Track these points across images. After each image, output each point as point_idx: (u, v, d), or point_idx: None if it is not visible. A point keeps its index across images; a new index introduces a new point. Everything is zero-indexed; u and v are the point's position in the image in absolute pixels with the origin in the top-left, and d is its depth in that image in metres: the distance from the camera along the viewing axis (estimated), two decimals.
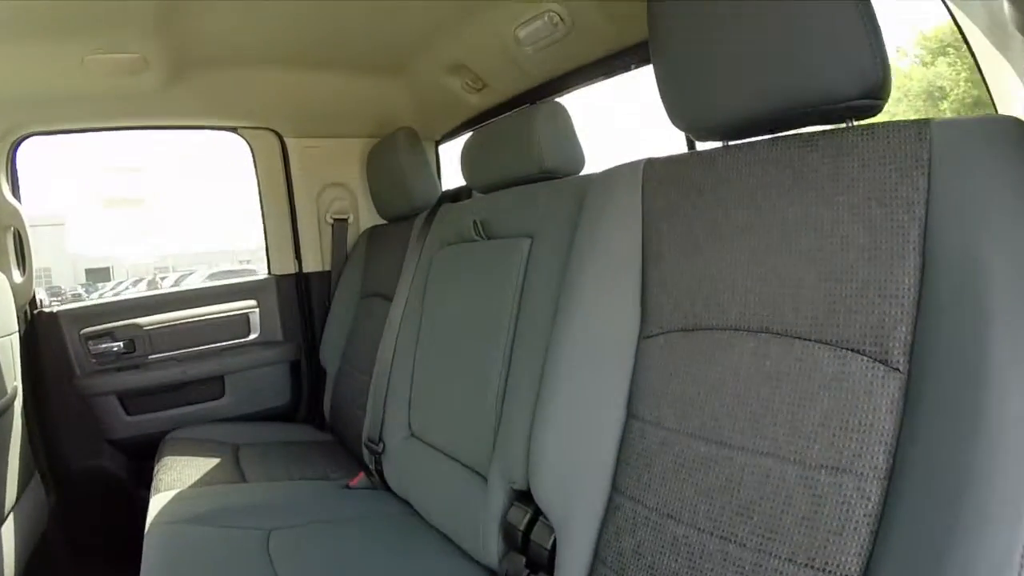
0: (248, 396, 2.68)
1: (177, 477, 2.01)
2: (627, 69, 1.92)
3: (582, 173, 1.59)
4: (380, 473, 1.90)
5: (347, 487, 1.95)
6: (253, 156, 2.74)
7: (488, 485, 1.40)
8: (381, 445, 1.86)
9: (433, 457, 1.64)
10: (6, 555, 1.89)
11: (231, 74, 2.28)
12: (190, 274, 19.39)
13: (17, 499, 2.04)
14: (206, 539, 1.59)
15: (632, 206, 1.17)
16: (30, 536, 2.12)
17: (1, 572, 1.85)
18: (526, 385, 1.33)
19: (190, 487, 1.94)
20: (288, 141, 2.73)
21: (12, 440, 2.05)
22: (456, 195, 2.11)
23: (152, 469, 2.21)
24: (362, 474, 1.97)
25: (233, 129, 2.70)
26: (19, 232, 2.35)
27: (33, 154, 2.47)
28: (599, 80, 2.04)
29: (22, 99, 2.16)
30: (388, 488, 1.88)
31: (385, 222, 2.53)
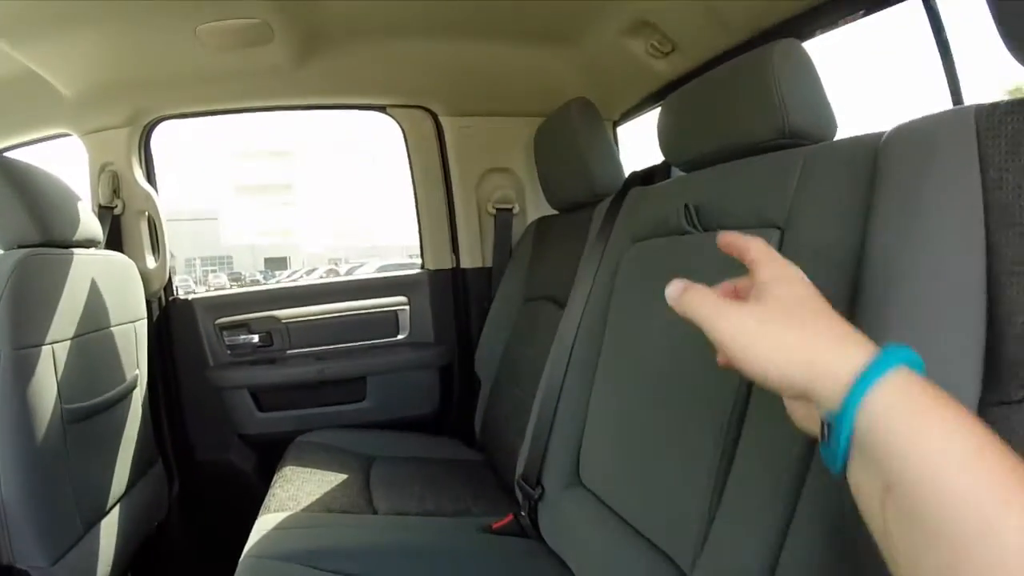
0: (391, 401, 2.45)
1: (293, 495, 1.80)
2: (855, 16, 1.47)
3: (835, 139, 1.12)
4: (534, 519, 1.53)
5: (490, 530, 1.60)
6: (404, 138, 2.51)
7: None
8: (539, 490, 1.48)
9: (608, 522, 1.23)
10: (120, 537, 1.86)
11: (374, 46, 2.12)
12: (361, 266, 19.93)
13: (132, 485, 2.00)
14: None
15: (967, 184, 0.69)
16: (147, 522, 2.10)
17: (116, 554, 1.82)
18: (768, 465, 0.87)
19: (303, 510, 1.72)
20: (443, 121, 2.47)
21: (130, 426, 2.00)
22: (648, 176, 1.68)
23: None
24: (511, 516, 1.61)
25: (381, 108, 2.47)
26: (153, 218, 2.29)
27: (176, 139, 2.35)
28: (817, 34, 1.57)
29: (146, 81, 2.11)
30: (541, 538, 1.51)
31: (556, 212, 2.16)
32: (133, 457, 2.03)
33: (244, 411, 2.42)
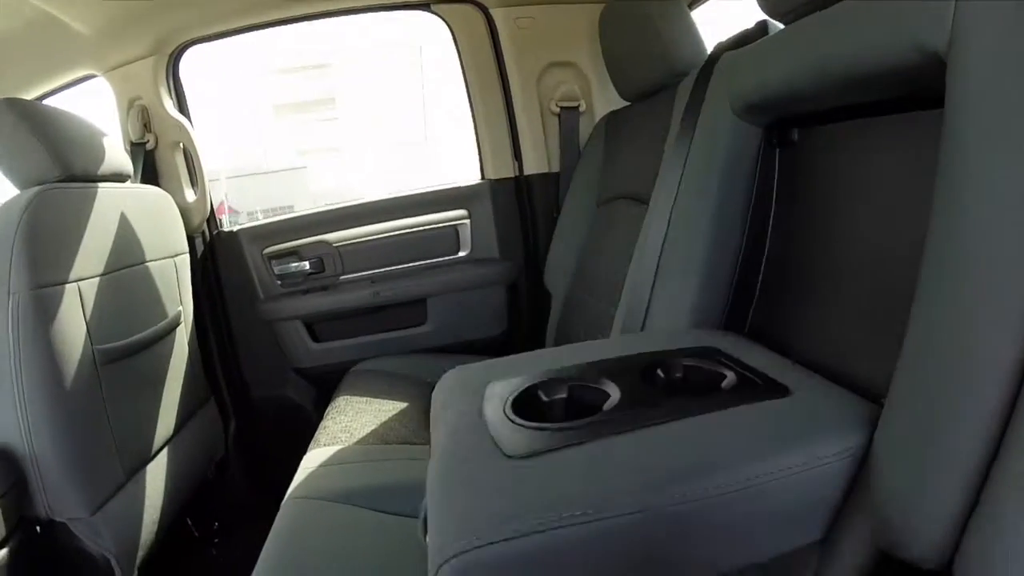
0: (455, 324, 2.30)
1: (346, 427, 1.69)
2: None
3: None
4: None
5: None
6: (454, 37, 2.27)
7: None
8: None
9: None
10: (169, 481, 1.83)
11: None
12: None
13: (181, 426, 1.96)
14: (355, 527, 1.26)
15: None
16: (202, 463, 2.08)
17: (165, 498, 1.80)
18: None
19: (357, 443, 1.61)
20: (495, 14, 2.22)
21: (175, 365, 1.94)
22: (740, 42, 1.41)
23: None
24: None
25: (425, 6, 2.24)
26: (188, 149, 2.18)
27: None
28: None
29: (165, 4, 1.97)
30: None
31: (629, 103, 1.90)
32: (181, 397, 1.98)
33: (298, 343, 2.32)
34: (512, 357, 1.07)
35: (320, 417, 2.28)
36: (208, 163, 2.24)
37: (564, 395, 0.88)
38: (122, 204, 1.75)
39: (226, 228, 2.32)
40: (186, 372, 2.02)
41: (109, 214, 1.69)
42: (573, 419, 0.79)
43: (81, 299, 1.55)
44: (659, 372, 0.91)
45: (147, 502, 1.73)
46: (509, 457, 0.73)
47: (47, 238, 1.46)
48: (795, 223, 1.09)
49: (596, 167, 1.97)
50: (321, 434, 1.67)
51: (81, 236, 1.57)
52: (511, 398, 0.85)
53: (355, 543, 1.19)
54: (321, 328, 2.32)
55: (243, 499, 2.36)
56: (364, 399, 1.81)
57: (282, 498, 2.28)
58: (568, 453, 0.72)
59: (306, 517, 1.28)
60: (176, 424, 1.94)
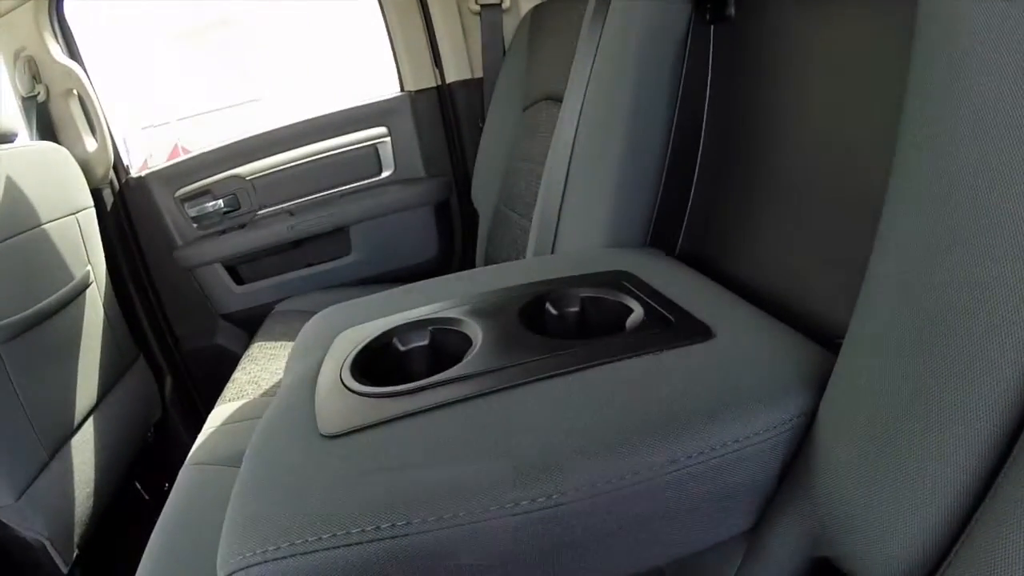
0: (381, 252, 2.17)
1: (255, 378, 1.59)
2: None
3: None
4: None
5: None
6: None
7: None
8: None
9: None
10: (101, 451, 1.76)
11: None
12: None
13: (105, 392, 1.86)
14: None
15: None
16: (139, 427, 2.00)
17: (98, 469, 1.74)
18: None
19: (263, 394, 1.52)
20: None
21: (88, 330, 1.84)
22: None
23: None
24: None
25: None
26: (82, 96, 2.00)
27: None
28: None
29: None
30: None
31: None
32: (101, 362, 1.87)
33: (221, 288, 2.20)
34: (392, 291, 0.93)
35: None
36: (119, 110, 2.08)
37: (425, 342, 0.74)
38: (8, 167, 1.62)
39: (133, 175, 2.15)
40: (104, 334, 1.91)
41: None
42: (431, 375, 0.63)
43: None
44: (548, 307, 0.75)
45: (77, 477, 1.67)
46: (322, 437, 0.58)
47: None
48: (734, 119, 0.93)
49: (521, 68, 1.81)
50: (228, 388, 1.57)
51: None
52: (355, 351, 0.70)
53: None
54: (243, 269, 2.20)
55: (175, 461, 2.28)
56: (279, 344, 1.72)
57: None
58: (393, 430, 0.57)
59: (204, 485, 1.21)
60: (99, 391, 1.85)
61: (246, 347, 2.23)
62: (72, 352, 1.77)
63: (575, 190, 1.09)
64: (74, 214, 1.83)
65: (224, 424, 1.41)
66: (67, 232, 1.80)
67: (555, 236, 1.11)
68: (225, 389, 1.59)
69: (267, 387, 1.50)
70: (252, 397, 1.48)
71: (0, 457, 1.46)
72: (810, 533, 0.52)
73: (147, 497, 2.09)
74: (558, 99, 1.40)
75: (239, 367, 1.68)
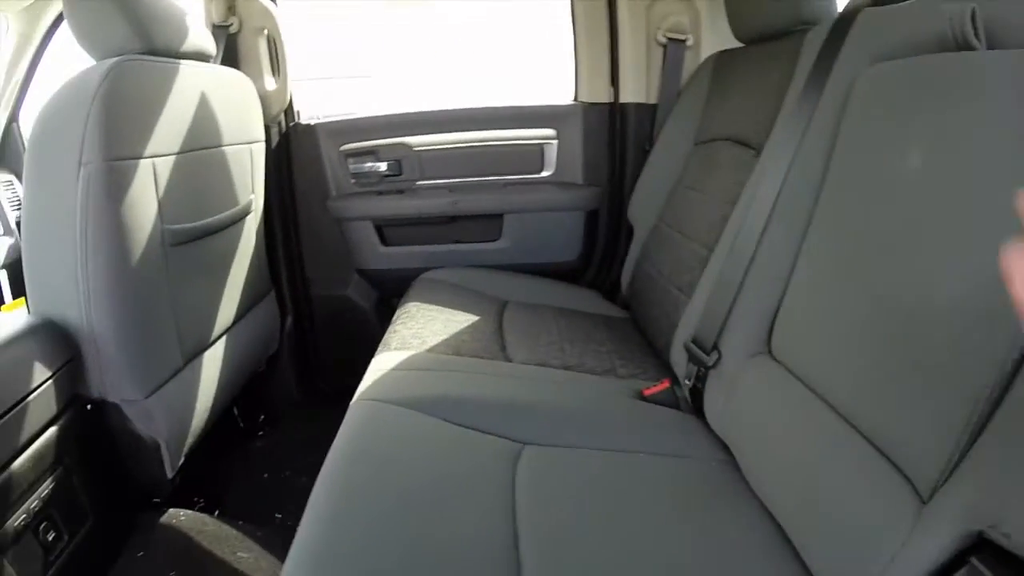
0: (529, 244, 2.25)
1: (417, 333, 1.65)
2: None
3: None
4: (696, 391, 1.31)
5: (641, 396, 1.40)
6: None
7: (926, 508, 0.72)
8: (715, 355, 1.25)
9: (804, 402, 0.97)
10: (224, 370, 1.82)
11: None
12: None
13: (239, 317, 1.94)
14: (429, 438, 1.20)
15: None
16: (255, 356, 2.07)
17: (218, 387, 1.79)
18: None
19: (428, 350, 1.57)
20: None
21: (240, 254, 1.92)
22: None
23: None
24: (667, 383, 1.40)
25: None
26: (273, 36, 2.12)
27: None
28: None
29: None
30: (701, 415, 1.30)
31: (741, 45, 1.81)
32: (243, 287, 1.97)
33: (367, 245, 2.30)
34: None
35: (379, 321, 2.29)
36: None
37: None
38: (202, 84, 1.69)
39: (304, 121, 2.28)
40: (251, 263, 2.01)
41: (188, 92, 1.63)
42: None
43: (155, 176, 1.51)
44: None
45: (201, 389, 1.74)
46: None
47: (124, 110, 1.40)
48: None
49: (699, 105, 1.89)
50: (392, 338, 1.65)
51: (159, 112, 1.51)
52: None
53: (428, 451, 1.16)
54: (391, 232, 2.30)
55: (290, 395, 2.39)
56: (434, 307, 1.80)
57: (333, 400, 2.29)
58: None
59: (377, 420, 1.25)
60: (236, 314, 1.93)
61: (375, 304, 2.34)
62: (223, 272, 1.85)
63: (774, 231, 1.19)
64: (249, 144, 1.92)
65: (393, 370, 1.47)
66: (240, 159, 1.88)
67: (749, 264, 1.22)
68: (388, 338, 1.67)
69: (431, 344, 1.59)
70: (417, 351, 1.56)
71: (142, 355, 1.51)
72: (976, 506, 0.62)
73: (241, 424, 2.19)
74: (744, 143, 1.50)
75: (398, 321, 1.76)
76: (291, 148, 2.26)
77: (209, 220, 1.73)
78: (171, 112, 1.54)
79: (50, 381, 1.40)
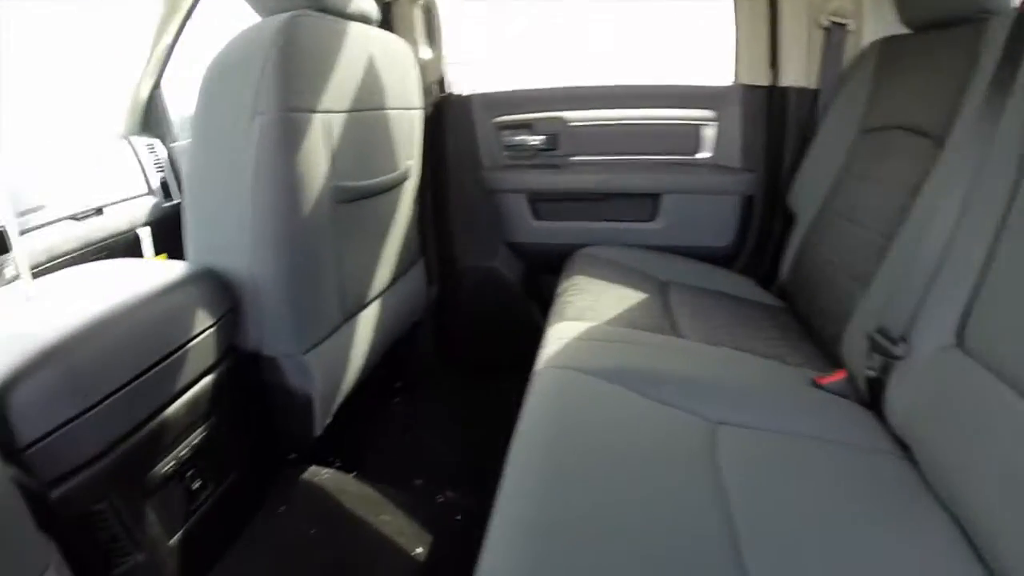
0: (682, 226, 2.25)
1: (591, 305, 1.68)
2: None
3: None
4: (877, 383, 1.30)
5: (814, 384, 1.41)
6: None
7: None
8: (903, 346, 1.23)
9: (1003, 400, 0.96)
10: (376, 333, 1.85)
11: None
12: None
13: (392, 281, 1.97)
14: (623, 408, 1.22)
15: None
16: (402, 322, 2.08)
17: (369, 349, 1.81)
18: None
19: (606, 323, 1.59)
20: None
21: (397, 219, 1.93)
22: None
23: (550, 285, 1.99)
24: (844, 373, 1.41)
25: None
26: (429, 5, 2.16)
27: None
28: None
29: None
30: (874, 407, 1.30)
31: (909, 32, 1.76)
32: (398, 252, 1.98)
33: (518, 218, 2.34)
34: None
35: (525, 294, 2.34)
36: None
37: None
38: (369, 46, 1.69)
39: (457, 92, 2.33)
40: (406, 229, 2.03)
41: (357, 52, 1.62)
42: None
43: (327, 131, 1.51)
44: None
45: (354, 349, 1.76)
46: None
47: (299, 63, 1.41)
48: None
49: (863, 92, 1.85)
50: (566, 308, 1.67)
51: (331, 68, 1.51)
52: None
53: (624, 421, 1.18)
54: (543, 206, 2.32)
55: (429, 363, 2.45)
56: (601, 282, 1.83)
57: (469, 368, 2.36)
58: None
59: (568, 387, 1.27)
60: (390, 278, 1.95)
61: (523, 277, 2.37)
62: (382, 235, 1.86)
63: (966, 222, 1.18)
64: (409, 110, 1.93)
65: (576, 339, 1.48)
66: (402, 124, 1.90)
67: (936, 264, 1.20)
68: (562, 308, 1.68)
69: (607, 316, 1.61)
70: (595, 322, 1.57)
71: (303, 310, 1.52)
72: None
73: (379, 388, 2.25)
74: (920, 132, 1.48)
75: (569, 292, 1.78)
76: (445, 118, 2.30)
77: (373, 181, 1.74)
78: (341, 70, 1.55)
79: (210, 330, 1.42)
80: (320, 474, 1.80)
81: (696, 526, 0.92)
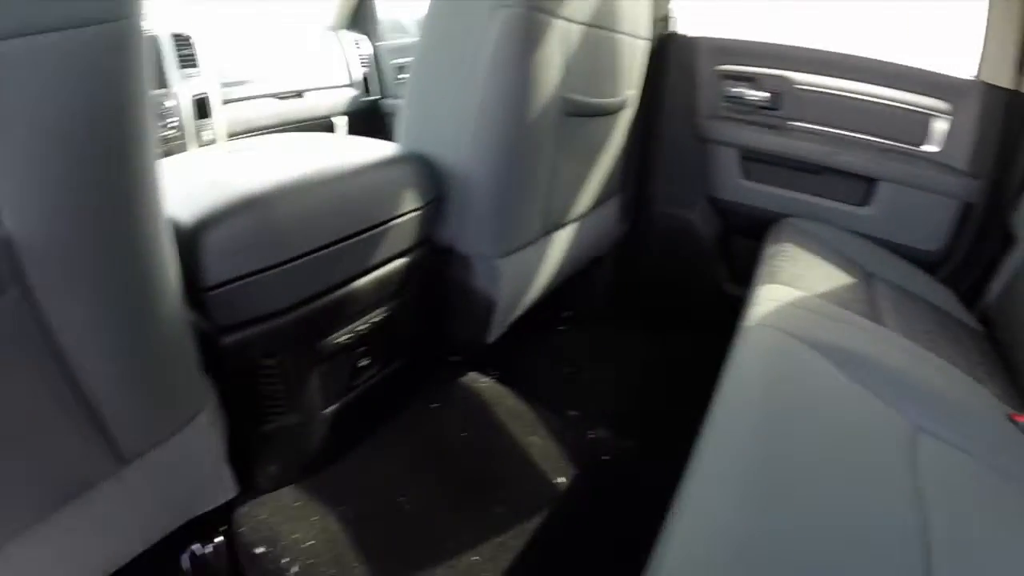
0: (894, 219, 2.11)
1: (800, 274, 1.62)
2: None
3: None
4: None
5: (1010, 419, 1.33)
6: None
7: None
8: None
9: None
10: (567, 253, 1.85)
11: None
12: None
13: (591, 208, 1.97)
14: (830, 384, 1.17)
15: None
16: (588, 252, 2.08)
17: (556, 271, 1.82)
18: None
19: (817, 295, 1.52)
20: None
21: (609, 146, 1.92)
22: None
23: (743, 248, 2.02)
24: None
25: None
26: None
27: None
28: None
29: None
30: None
31: None
32: (603, 180, 1.96)
33: (726, 173, 2.26)
34: None
35: (717, 254, 2.30)
36: None
37: None
38: None
39: (681, 32, 2.25)
40: (615, 158, 2.00)
41: None
42: None
43: (562, 39, 1.47)
44: None
45: (544, 265, 1.76)
46: None
47: None
48: None
49: None
50: (778, 272, 1.61)
51: None
52: None
53: (828, 399, 1.13)
54: (753, 167, 2.24)
55: (600, 300, 2.43)
56: (810, 255, 1.77)
57: (640, 313, 2.34)
58: None
59: (779, 351, 1.23)
60: (591, 204, 1.94)
61: (718, 235, 2.33)
62: (592, 158, 1.85)
63: None
64: (637, 38, 1.89)
65: (788, 304, 1.43)
66: (632, 50, 1.86)
67: None
68: (772, 271, 1.62)
69: (818, 290, 1.55)
70: (806, 293, 1.52)
71: (510, 215, 1.53)
72: None
73: (545, 315, 2.24)
74: None
75: (779, 257, 1.72)
76: (667, 56, 2.23)
77: (598, 101, 1.72)
78: None
79: (412, 214, 1.43)
80: (479, 381, 1.84)
81: (890, 533, 0.89)
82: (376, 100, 3.21)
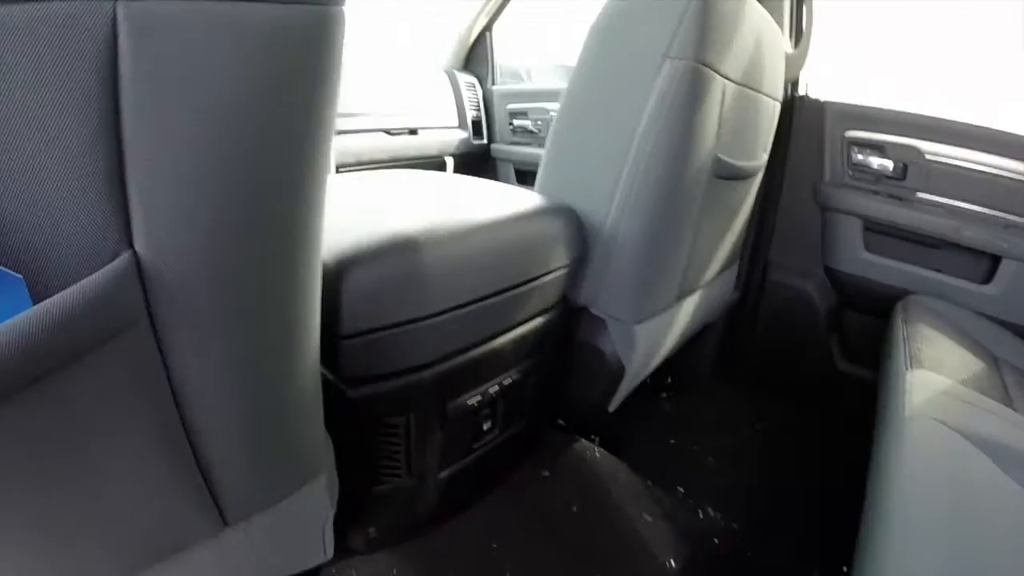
0: (1018, 300, 2.01)
1: (939, 359, 1.52)
2: None
3: None
4: None
5: None
6: None
7: None
8: None
9: None
10: (690, 319, 1.80)
11: None
12: None
13: (719, 272, 1.92)
14: (997, 493, 1.04)
15: None
16: (705, 317, 2.02)
17: (679, 335, 1.77)
18: None
19: (961, 382, 1.42)
20: None
21: (740, 213, 1.91)
22: None
23: (858, 323, 2.01)
24: None
25: None
26: None
27: None
28: None
29: None
30: None
31: None
32: (730, 246, 1.92)
33: (847, 244, 2.19)
34: None
35: (828, 328, 2.23)
36: None
37: None
38: (759, 24, 1.60)
39: (811, 95, 2.22)
40: (744, 223, 1.97)
41: (752, 26, 1.54)
42: None
43: (719, 97, 1.43)
44: None
45: (671, 332, 1.71)
46: None
47: (716, 19, 1.35)
48: None
49: None
50: (921, 355, 1.53)
51: (735, 34, 1.44)
52: None
53: (998, 512, 0.99)
54: (875, 239, 2.18)
55: (705, 369, 2.39)
56: (944, 338, 1.69)
57: (744, 384, 2.29)
58: None
59: (946, 450, 1.12)
60: (719, 269, 1.91)
61: (831, 310, 2.25)
62: (727, 223, 1.81)
63: None
64: (774, 100, 1.86)
65: (943, 393, 1.33)
66: (770, 113, 1.84)
67: None
68: (916, 353, 1.55)
69: (963, 377, 1.47)
70: (952, 380, 1.42)
71: (652, 279, 1.49)
72: None
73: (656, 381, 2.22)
74: None
75: (916, 339, 1.64)
76: (795, 119, 2.19)
77: (743, 164, 1.68)
78: (741, 39, 1.48)
79: (560, 271, 1.39)
80: (590, 451, 1.78)
81: None
82: (485, 144, 3.25)
